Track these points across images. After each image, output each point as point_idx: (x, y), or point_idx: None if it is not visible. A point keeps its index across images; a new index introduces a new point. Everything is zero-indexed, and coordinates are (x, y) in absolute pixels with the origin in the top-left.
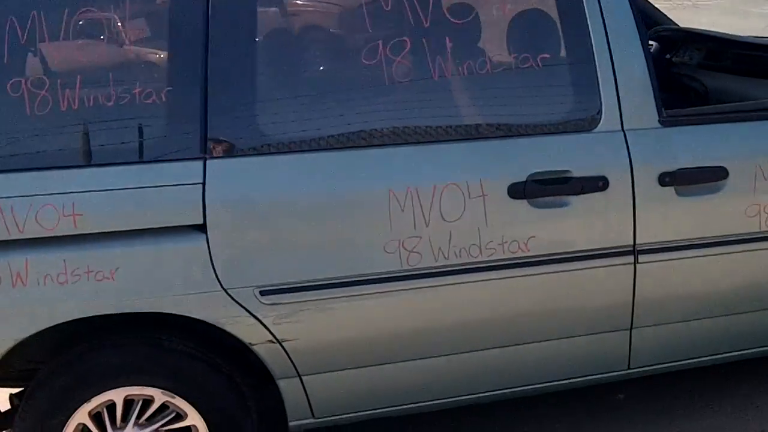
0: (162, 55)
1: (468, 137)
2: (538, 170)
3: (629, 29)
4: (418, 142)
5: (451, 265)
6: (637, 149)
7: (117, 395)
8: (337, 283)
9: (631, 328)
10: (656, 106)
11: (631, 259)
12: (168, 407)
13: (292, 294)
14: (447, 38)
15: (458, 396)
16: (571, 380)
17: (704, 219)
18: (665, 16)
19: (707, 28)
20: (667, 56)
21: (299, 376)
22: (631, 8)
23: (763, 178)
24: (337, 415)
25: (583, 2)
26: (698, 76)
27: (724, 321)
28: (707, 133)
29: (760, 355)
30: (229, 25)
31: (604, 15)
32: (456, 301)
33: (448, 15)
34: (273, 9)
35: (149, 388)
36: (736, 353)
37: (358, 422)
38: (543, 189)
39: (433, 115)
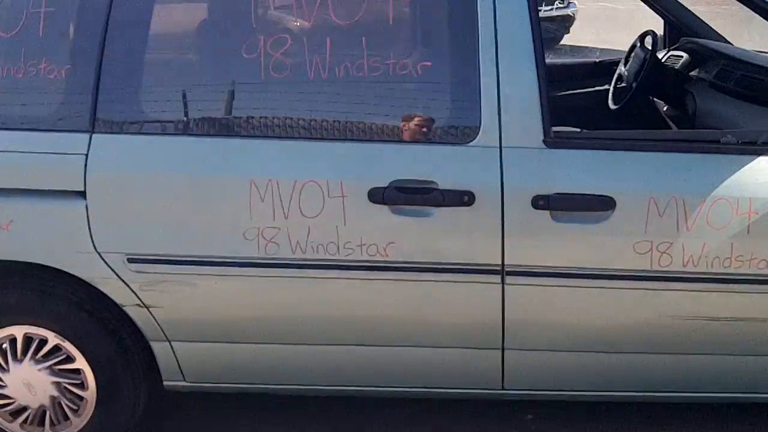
0: (69, 36)
1: (333, 137)
2: (402, 177)
3: (522, 45)
4: (284, 137)
5: (309, 259)
6: (512, 168)
7: (18, 331)
8: (198, 261)
9: (503, 349)
10: (542, 125)
11: (498, 279)
12: (60, 349)
13: (156, 265)
14: (328, 38)
15: (323, 385)
16: (442, 390)
17: (583, 249)
18: (707, 26)
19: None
20: (693, 72)
21: (168, 341)
22: (531, 23)
23: (658, 214)
24: (208, 383)
25: (476, 13)
26: (701, 95)
27: (609, 358)
28: (597, 158)
29: (660, 401)
30: (126, 14)
31: (498, 29)
32: (312, 295)
33: (333, 16)
34: (171, 3)
35: (43, 329)
36: (629, 394)
37: None
38: (402, 197)
39: (302, 112)
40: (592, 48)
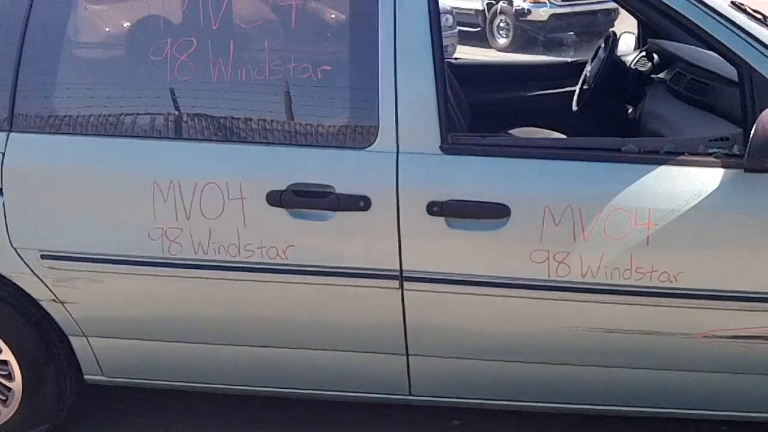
0: None
1: (235, 140)
2: (300, 181)
3: (421, 51)
4: (187, 139)
5: (210, 260)
6: (408, 173)
7: None
8: (107, 259)
9: (407, 354)
10: (440, 131)
11: (397, 284)
12: None
13: (68, 262)
14: (231, 42)
15: (231, 384)
16: (350, 393)
17: (480, 256)
18: None
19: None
20: (659, 74)
21: (85, 336)
22: (431, 32)
23: (554, 223)
24: (126, 378)
25: (377, 20)
26: (653, 98)
27: (515, 367)
28: (493, 165)
29: (573, 412)
30: (45, 17)
31: (397, 35)
32: (214, 295)
33: (237, 19)
34: (88, 7)
35: None
36: (538, 404)
37: None
38: (299, 200)
39: (205, 115)
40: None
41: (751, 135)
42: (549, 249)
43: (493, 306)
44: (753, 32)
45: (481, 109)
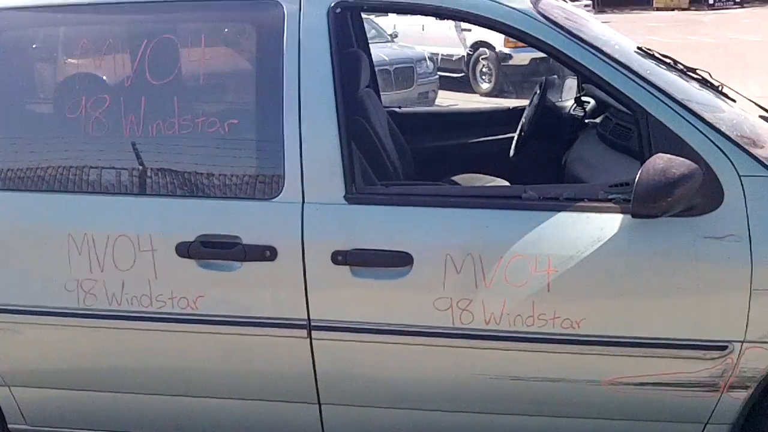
0: None
1: (145, 193)
2: (208, 233)
3: (325, 108)
4: (100, 192)
5: (124, 311)
6: (313, 224)
7: None
8: (25, 310)
9: (319, 403)
10: (344, 182)
11: (305, 333)
12: None
13: None
14: (143, 98)
15: None
16: None
17: (385, 304)
18: None
19: None
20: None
21: (7, 386)
22: (334, 87)
23: (455, 270)
24: (50, 427)
25: (282, 76)
26: (583, 143)
27: (430, 416)
28: (396, 214)
29: None
30: None
31: (301, 89)
32: (128, 346)
33: (149, 76)
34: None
35: None
36: None
37: None
38: (207, 251)
39: (117, 168)
40: None
41: (636, 181)
42: (452, 297)
43: (400, 354)
44: (650, 78)
45: (426, 157)
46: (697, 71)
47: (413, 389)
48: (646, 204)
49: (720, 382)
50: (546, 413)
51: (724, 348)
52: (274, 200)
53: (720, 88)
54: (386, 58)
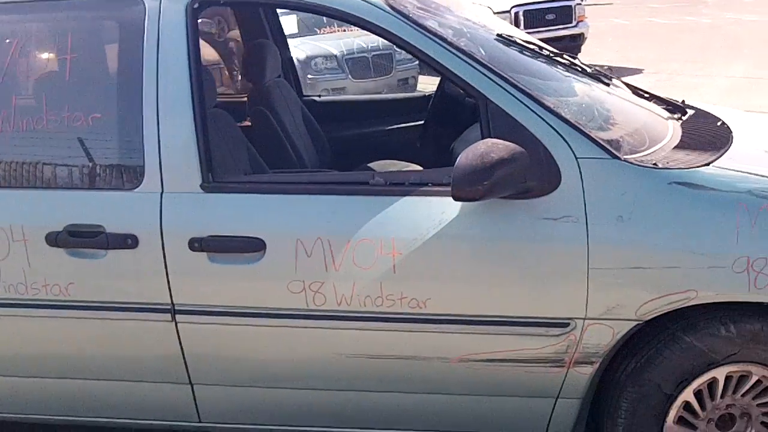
0: None
1: (17, 186)
2: (75, 222)
3: (181, 98)
4: None
5: (3, 299)
6: (171, 212)
7: None
8: None
9: (191, 384)
10: (200, 171)
11: (170, 317)
12: None
13: None
14: (13, 95)
15: (49, 415)
16: (146, 421)
17: (241, 289)
18: None
19: None
20: None
21: None
22: (190, 81)
23: (306, 255)
24: None
25: (141, 70)
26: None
27: (297, 394)
28: (250, 202)
29: None
30: None
31: (159, 83)
32: (12, 331)
33: (18, 73)
34: None
35: None
36: (327, 429)
37: None
38: (73, 240)
39: None
40: (609, 66)
41: (455, 165)
42: (304, 280)
43: (260, 336)
44: (492, 65)
45: (344, 144)
46: (565, 56)
47: (278, 369)
48: (463, 187)
49: (565, 358)
50: (404, 390)
51: (566, 325)
52: (135, 190)
53: (594, 73)
54: (364, 46)
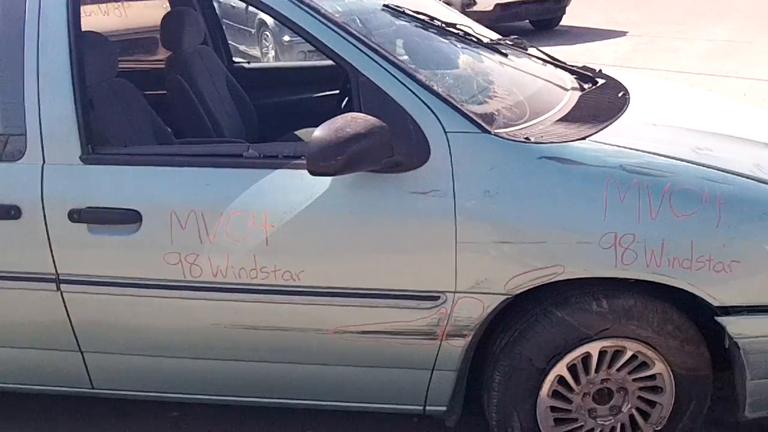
0: None
1: None
2: None
3: (62, 72)
4: None
5: None
6: (51, 184)
7: None
8: None
9: (81, 351)
10: (80, 143)
11: (55, 287)
12: None
13: None
14: None
15: None
16: (40, 387)
17: (119, 259)
18: None
19: None
20: None
21: None
22: (70, 52)
23: (180, 227)
24: None
25: (23, 39)
26: None
27: (182, 363)
28: (127, 174)
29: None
30: None
31: (40, 54)
32: None
33: None
34: None
35: None
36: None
37: None
38: None
39: None
40: (594, 29)
41: (311, 139)
42: (180, 252)
43: (141, 306)
44: (365, 38)
45: (272, 112)
46: (458, 26)
47: (161, 339)
48: (317, 162)
49: (437, 331)
50: (285, 360)
51: (436, 298)
52: (18, 162)
53: (491, 43)
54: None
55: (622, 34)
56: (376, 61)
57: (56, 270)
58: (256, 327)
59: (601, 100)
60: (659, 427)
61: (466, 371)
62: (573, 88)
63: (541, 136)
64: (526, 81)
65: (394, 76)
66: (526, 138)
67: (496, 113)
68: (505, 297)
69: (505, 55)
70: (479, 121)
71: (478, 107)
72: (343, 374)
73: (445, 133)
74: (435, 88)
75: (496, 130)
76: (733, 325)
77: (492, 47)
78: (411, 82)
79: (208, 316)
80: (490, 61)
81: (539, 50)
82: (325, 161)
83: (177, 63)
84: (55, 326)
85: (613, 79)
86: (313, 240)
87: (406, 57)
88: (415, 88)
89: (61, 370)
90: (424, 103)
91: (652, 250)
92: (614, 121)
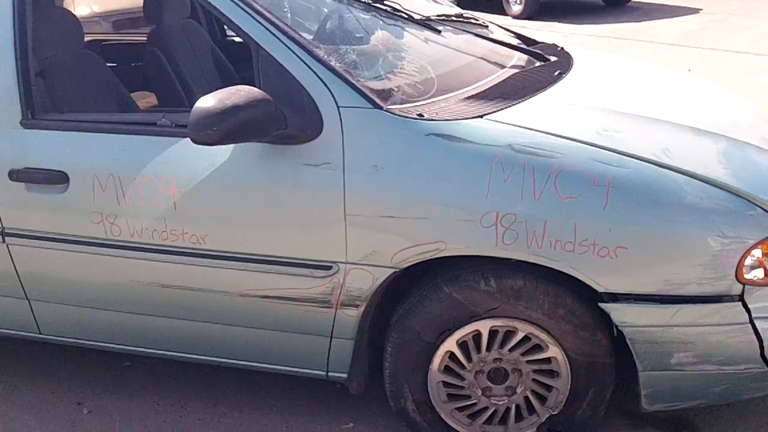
0: None
1: None
2: None
3: (5, 40)
4: None
5: None
6: None
7: None
8: None
9: (28, 299)
10: (21, 109)
11: (1, 239)
12: None
13: None
14: None
15: None
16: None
17: (53, 217)
18: None
19: None
20: None
21: None
22: (13, 17)
23: (101, 189)
24: None
25: None
26: None
27: (111, 315)
28: (58, 139)
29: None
30: None
31: None
32: None
33: None
34: None
35: None
36: (143, 350)
37: None
38: None
39: None
40: (666, 5)
41: (193, 108)
42: (102, 212)
43: (72, 261)
44: (267, 14)
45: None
46: (386, 2)
47: (94, 292)
48: (197, 131)
49: (332, 300)
50: (198, 319)
51: (329, 268)
52: None
53: (422, 20)
54: None
55: (696, 11)
56: (275, 36)
57: (2, 224)
58: (170, 286)
59: (531, 79)
60: (555, 412)
61: (363, 340)
62: (515, 66)
63: (436, 113)
64: (450, 58)
65: (291, 51)
66: (420, 114)
67: (396, 89)
68: (393, 270)
69: (438, 31)
70: (372, 97)
71: (377, 83)
72: (250, 336)
73: (338, 107)
74: (332, 63)
75: (389, 106)
76: (617, 312)
77: (424, 24)
78: (307, 56)
79: (128, 273)
80: (413, 38)
81: (505, 29)
82: (203, 131)
83: (158, 37)
84: (5, 275)
85: (566, 58)
86: (215, 207)
87: (318, 32)
88: (311, 63)
89: (12, 315)
90: (320, 78)
91: (534, 232)
92: (527, 99)
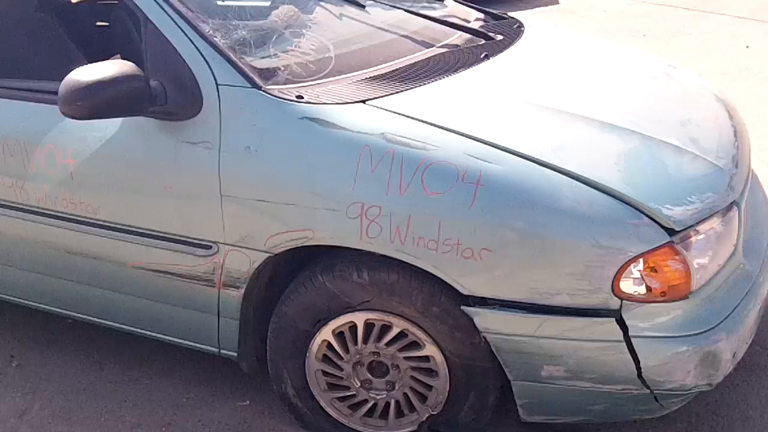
0: None
1: None
2: None
3: None
4: None
5: None
6: None
7: None
8: None
9: None
10: None
11: None
12: None
13: None
14: None
15: None
16: None
17: None
18: None
19: None
20: None
21: None
22: None
23: (10, 154)
24: None
25: None
26: None
27: (32, 277)
28: None
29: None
30: None
31: None
32: None
33: None
34: None
35: None
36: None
37: None
38: None
39: None
40: None
41: (61, 84)
42: (11, 176)
43: None
44: None
45: None
46: None
47: (15, 253)
48: (65, 104)
49: (215, 279)
50: (101, 286)
51: (209, 248)
52: None
53: None
54: None
55: None
56: (163, 9)
57: None
58: (72, 252)
59: (448, 61)
60: (435, 411)
61: (249, 321)
62: (446, 45)
63: (317, 96)
64: (363, 36)
65: (177, 25)
66: (299, 96)
67: (282, 69)
68: (267, 254)
69: (362, 6)
70: (252, 76)
71: (262, 61)
72: (145, 306)
73: (217, 85)
74: (215, 39)
75: (269, 86)
76: (480, 317)
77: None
78: (192, 31)
79: (36, 236)
80: (326, 13)
81: (468, 5)
82: (68, 104)
83: None
84: None
85: (512, 38)
86: (106, 178)
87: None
88: (194, 38)
89: None
90: (201, 54)
91: (398, 227)
92: (426, 84)
